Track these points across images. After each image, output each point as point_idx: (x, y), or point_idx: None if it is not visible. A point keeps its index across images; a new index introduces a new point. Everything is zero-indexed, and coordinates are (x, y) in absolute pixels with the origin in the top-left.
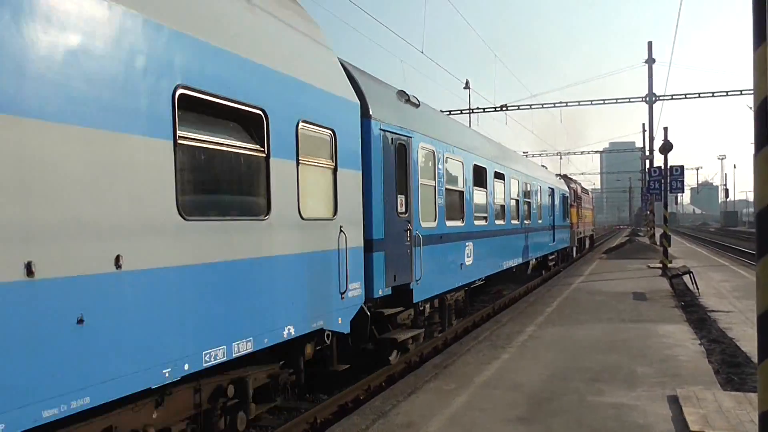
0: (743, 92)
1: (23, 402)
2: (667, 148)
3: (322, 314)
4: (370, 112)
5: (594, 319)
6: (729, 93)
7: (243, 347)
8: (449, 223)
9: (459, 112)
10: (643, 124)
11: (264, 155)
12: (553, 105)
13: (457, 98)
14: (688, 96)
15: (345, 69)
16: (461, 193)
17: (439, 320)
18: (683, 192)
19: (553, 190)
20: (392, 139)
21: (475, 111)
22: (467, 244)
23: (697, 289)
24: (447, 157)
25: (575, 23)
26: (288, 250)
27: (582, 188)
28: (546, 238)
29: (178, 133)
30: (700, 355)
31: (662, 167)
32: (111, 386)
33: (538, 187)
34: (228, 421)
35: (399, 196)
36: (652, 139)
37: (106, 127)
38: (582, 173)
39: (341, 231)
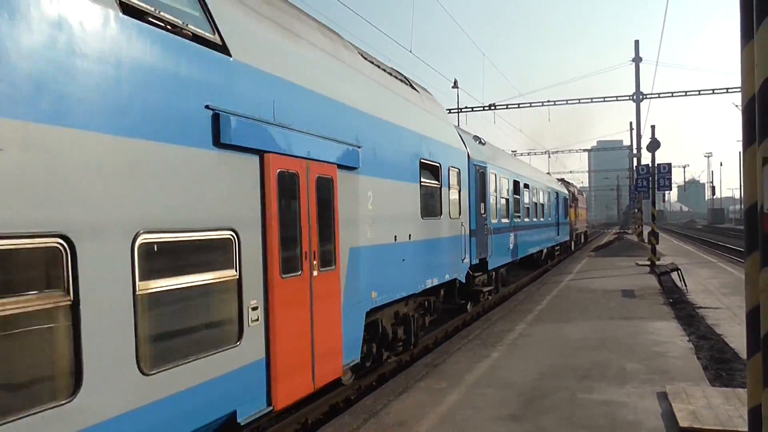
0: (729, 90)
1: (382, 292)
2: (654, 146)
3: (456, 270)
4: (470, 155)
5: (583, 316)
6: (715, 91)
7: (432, 282)
8: (503, 221)
9: (448, 111)
10: (631, 123)
11: (438, 186)
12: (541, 104)
13: (445, 97)
14: (674, 94)
15: (456, 130)
16: (507, 200)
17: (494, 286)
18: (671, 189)
19: (557, 193)
20: (477, 168)
21: (463, 110)
22: (510, 234)
23: (686, 285)
24: (501, 177)
25: (564, 22)
26: (445, 234)
27: (578, 191)
28: (554, 233)
29: (421, 179)
30: (688, 352)
31: (650, 165)
32: (403, 291)
33: (548, 193)
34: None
35: (481, 203)
36: (639, 137)
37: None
38: (570, 171)
39: (462, 224)
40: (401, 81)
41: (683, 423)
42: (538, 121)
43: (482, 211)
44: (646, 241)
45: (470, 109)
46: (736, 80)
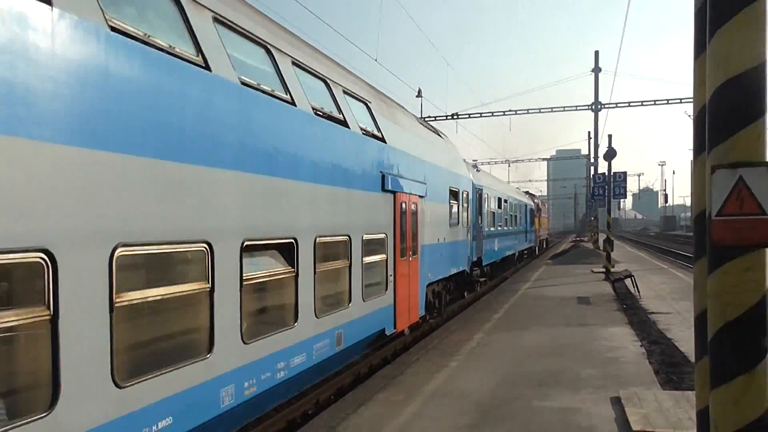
0: (683, 101)
1: (433, 274)
2: (611, 155)
3: (465, 264)
4: (473, 182)
5: (540, 324)
6: (670, 101)
7: (453, 271)
8: (491, 229)
9: None
10: (589, 132)
11: (457, 204)
12: (502, 113)
13: (409, 106)
14: (631, 104)
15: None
16: (494, 213)
17: (485, 277)
18: (626, 198)
19: (526, 205)
20: (477, 189)
21: (427, 119)
22: (496, 239)
23: (638, 292)
24: (490, 196)
25: (526, 34)
26: (461, 238)
27: (541, 202)
28: (524, 239)
29: (450, 200)
30: (641, 357)
31: (606, 174)
32: (441, 274)
33: (520, 205)
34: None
35: (478, 216)
36: (597, 146)
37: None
38: (530, 180)
39: (468, 231)
40: (433, 131)
41: (636, 427)
42: (499, 130)
43: (479, 222)
44: (602, 248)
45: (433, 119)
46: (691, 91)
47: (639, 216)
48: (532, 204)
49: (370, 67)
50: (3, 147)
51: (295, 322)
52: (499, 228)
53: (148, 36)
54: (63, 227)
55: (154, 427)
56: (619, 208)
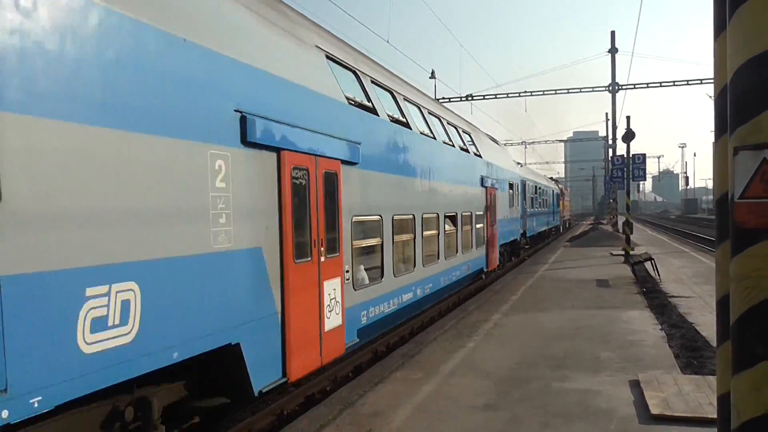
0: (703, 81)
1: (504, 237)
2: (629, 136)
3: (517, 235)
4: (520, 176)
5: (558, 306)
6: (689, 82)
7: (512, 238)
8: (530, 210)
9: None
10: (606, 113)
11: (512, 192)
12: (518, 94)
13: (423, 88)
14: (650, 85)
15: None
16: (533, 197)
17: (529, 246)
18: (645, 180)
19: (553, 191)
20: (522, 181)
21: (441, 101)
22: (534, 218)
23: (659, 275)
24: (529, 185)
25: (541, 13)
26: (516, 216)
27: (564, 187)
28: (552, 218)
29: (509, 190)
30: (661, 340)
31: (625, 156)
32: (508, 239)
33: (550, 191)
34: (506, 256)
35: (523, 200)
36: (615, 127)
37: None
38: (547, 162)
39: (518, 211)
40: (493, 140)
41: (655, 410)
42: (514, 111)
43: (525, 205)
44: (621, 231)
45: (448, 100)
46: (711, 71)
47: (659, 199)
48: (558, 189)
49: (382, 50)
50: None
51: (453, 256)
52: (536, 209)
53: (383, 110)
54: (390, 206)
55: (404, 297)
56: (638, 191)
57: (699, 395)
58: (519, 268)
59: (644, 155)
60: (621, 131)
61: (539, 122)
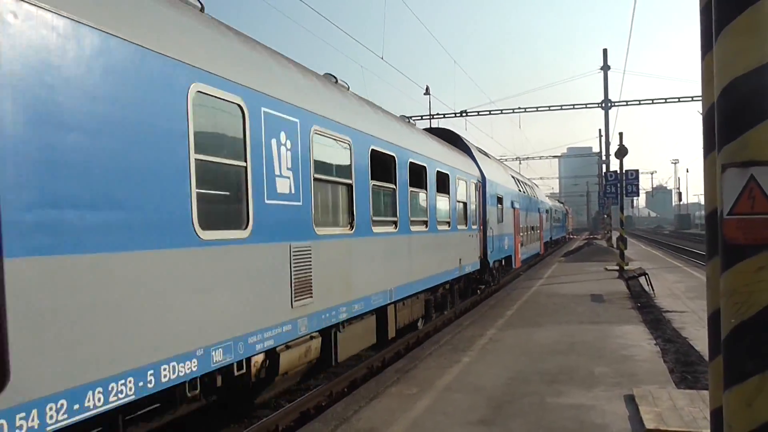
0: (694, 99)
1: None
2: (622, 152)
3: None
4: (547, 203)
5: (553, 321)
6: (681, 99)
7: (538, 246)
8: (552, 224)
9: (419, 117)
10: (600, 130)
11: (544, 214)
12: (512, 111)
13: (417, 104)
14: (642, 102)
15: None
16: (553, 216)
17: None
18: (638, 195)
19: (563, 211)
20: (547, 207)
21: (435, 117)
22: (552, 230)
23: (653, 290)
24: (552, 209)
25: (534, 32)
26: (545, 230)
27: (568, 208)
28: (562, 231)
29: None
30: (655, 355)
31: (618, 172)
32: (536, 250)
33: (561, 211)
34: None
35: (549, 219)
36: (608, 144)
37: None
38: (541, 177)
39: (546, 226)
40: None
41: (649, 425)
42: (508, 127)
43: (546, 219)
44: (615, 246)
45: (442, 116)
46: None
47: (653, 214)
48: (565, 209)
49: (376, 66)
50: None
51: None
52: (554, 224)
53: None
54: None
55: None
56: (632, 206)
57: (693, 410)
58: (513, 283)
59: (637, 171)
60: (614, 147)
61: (533, 138)
